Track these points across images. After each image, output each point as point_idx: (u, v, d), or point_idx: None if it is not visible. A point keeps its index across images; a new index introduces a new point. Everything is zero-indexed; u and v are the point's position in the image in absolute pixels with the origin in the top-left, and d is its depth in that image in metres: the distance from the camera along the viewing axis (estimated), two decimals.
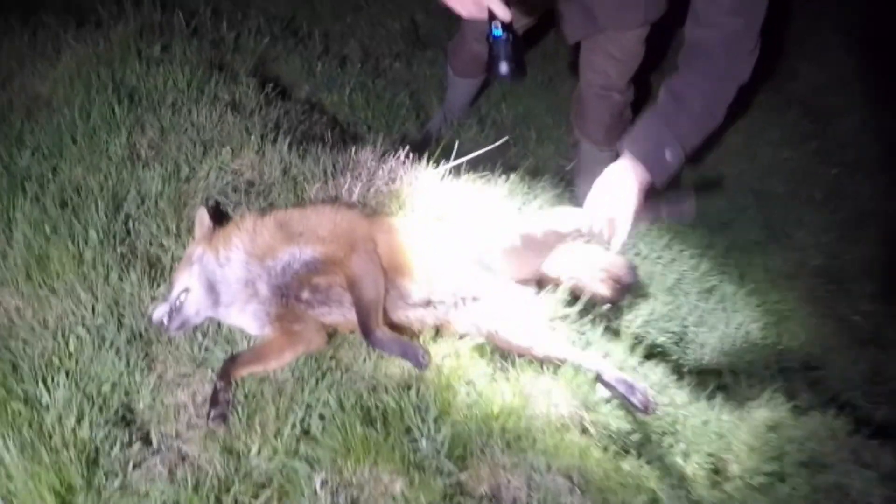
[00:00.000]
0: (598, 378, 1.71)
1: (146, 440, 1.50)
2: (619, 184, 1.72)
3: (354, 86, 3.02)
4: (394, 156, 2.17)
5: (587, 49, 2.58)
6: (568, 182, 2.90)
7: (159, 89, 2.33)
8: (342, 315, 1.60)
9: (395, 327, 1.63)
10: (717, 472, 1.77)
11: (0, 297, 1.70)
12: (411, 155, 2.18)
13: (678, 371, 2.14)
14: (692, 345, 2.53)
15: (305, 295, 1.61)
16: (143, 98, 2.29)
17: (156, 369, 1.59)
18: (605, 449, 1.58)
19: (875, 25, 3.89)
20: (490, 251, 1.79)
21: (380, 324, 1.56)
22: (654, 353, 2.17)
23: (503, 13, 1.58)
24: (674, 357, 2.34)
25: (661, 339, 2.33)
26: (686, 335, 2.53)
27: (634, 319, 2.22)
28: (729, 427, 1.88)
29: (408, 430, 1.45)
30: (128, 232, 1.84)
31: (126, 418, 1.52)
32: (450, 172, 2.18)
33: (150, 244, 1.82)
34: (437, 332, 1.69)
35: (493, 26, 1.63)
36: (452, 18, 2.38)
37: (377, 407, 1.47)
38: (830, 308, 3.10)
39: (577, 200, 2.74)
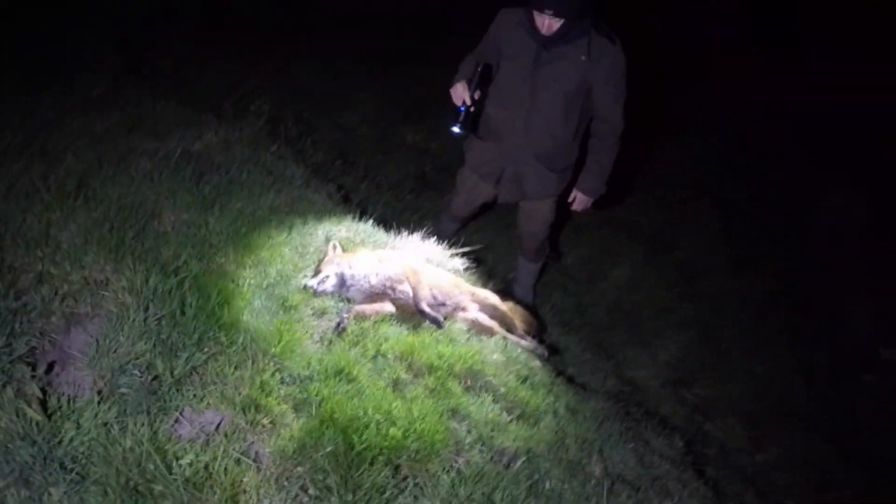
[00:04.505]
0: (519, 344, 3.67)
1: None
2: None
3: (385, 204, 4.96)
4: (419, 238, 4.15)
5: (521, 210, 4.75)
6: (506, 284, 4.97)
7: (284, 173, 4.30)
8: (405, 301, 3.48)
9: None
10: None
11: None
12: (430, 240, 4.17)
13: None
14: None
15: (388, 290, 3.48)
16: (276, 174, 4.24)
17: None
18: None
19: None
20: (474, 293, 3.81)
21: (425, 304, 3.46)
22: None
23: (461, 98, 3.89)
24: None
25: None
26: None
27: None
28: None
29: None
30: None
31: None
32: (450, 256, 4.17)
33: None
34: (445, 318, 3.56)
35: (459, 104, 3.90)
36: (452, 171, 4.52)
37: None
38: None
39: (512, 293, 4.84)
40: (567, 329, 4.82)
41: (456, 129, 3.97)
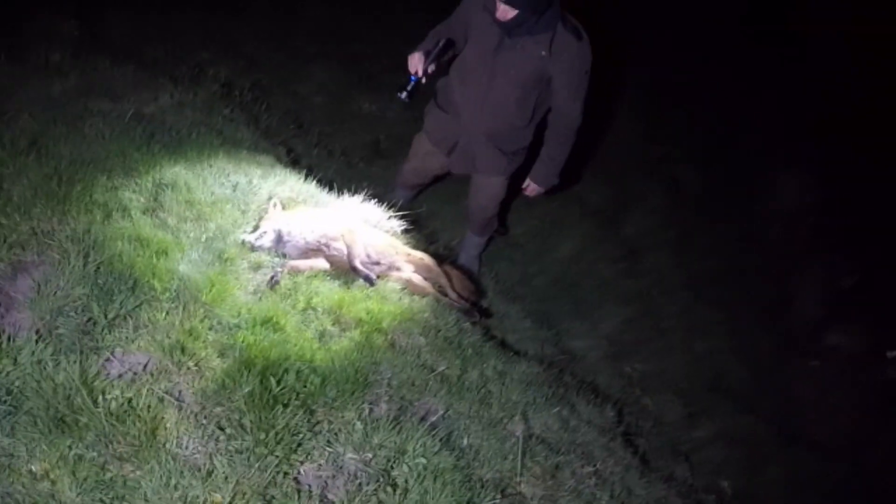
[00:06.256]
0: (451, 306, 3.87)
1: None
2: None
3: (335, 170, 5.14)
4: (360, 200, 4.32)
5: (473, 184, 4.91)
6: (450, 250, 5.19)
7: (234, 136, 4.47)
8: (339, 258, 3.66)
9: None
10: None
11: None
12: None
13: None
14: None
15: (323, 247, 3.67)
16: (225, 136, 4.40)
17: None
18: None
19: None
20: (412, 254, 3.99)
21: (358, 262, 3.64)
22: None
23: (416, 68, 4.04)
24: None
25: None
26: None
27: None
28: None
29: None
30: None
31: None
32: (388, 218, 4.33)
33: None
34: (379, 276, 3.75)
35: (412, 73, 4.03)
36: (406, 141, 4.69)
37: None
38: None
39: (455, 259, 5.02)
40: (509, 297, 5.03)
41: (403, 96, 4.13)
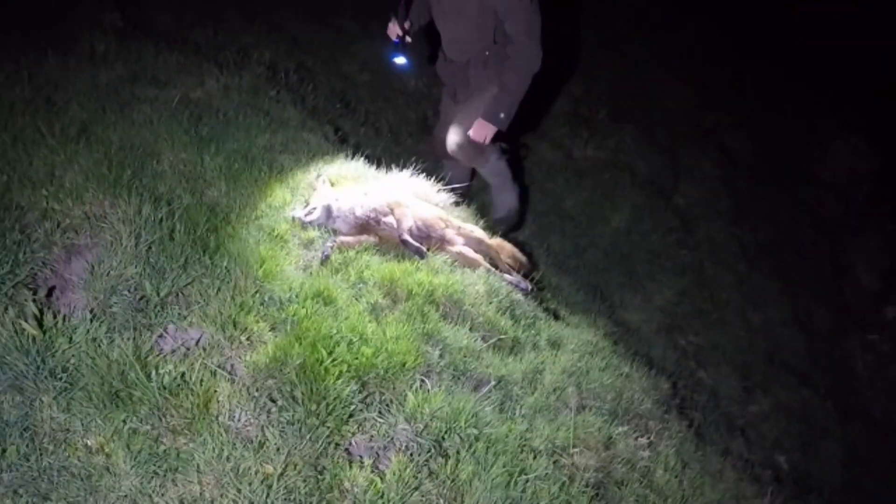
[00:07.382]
0: (503, 278, 3.79)
1: None
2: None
3: (383, 148, 5.11)
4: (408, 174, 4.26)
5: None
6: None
7: (281, 116, 4.44)
8: (389, 232, 3.62)
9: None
10: None
11: None
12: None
13: None
14: None
15: (372, 222, 3.64)
16: (272, 117, 4.38)
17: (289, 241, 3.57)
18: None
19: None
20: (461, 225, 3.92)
21: (408, 235, 3.57)
22: None
23: (396, 32, 4.19)
24: None
25: None
26: None
27: None
28: None
29: None
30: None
31: None
32: (437, 192, 4.28)
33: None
34: (429, 249, 3.68)
35: (395, 37, 4.19)
36: None
37: None
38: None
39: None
40: (562, 269, 4.94)
41: (398, 60, 4.29)
